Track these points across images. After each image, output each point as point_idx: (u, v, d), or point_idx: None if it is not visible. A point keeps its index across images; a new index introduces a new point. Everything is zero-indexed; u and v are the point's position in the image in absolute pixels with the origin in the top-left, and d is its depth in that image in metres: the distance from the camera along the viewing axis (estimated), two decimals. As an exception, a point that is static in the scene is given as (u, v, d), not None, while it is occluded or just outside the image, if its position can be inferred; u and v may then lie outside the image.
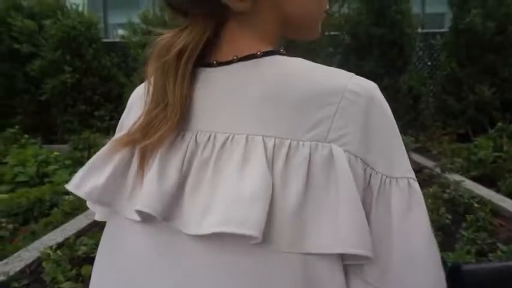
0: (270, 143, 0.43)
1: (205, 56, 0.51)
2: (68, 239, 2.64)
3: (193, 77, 0.50)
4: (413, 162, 5.00)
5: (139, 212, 0.46)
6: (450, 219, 3.26)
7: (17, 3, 8.64)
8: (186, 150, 0.47)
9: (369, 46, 7.57)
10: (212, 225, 0.41)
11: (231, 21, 0.50)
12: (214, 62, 0.50)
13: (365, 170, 0.44)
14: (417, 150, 6.56)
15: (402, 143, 0.46)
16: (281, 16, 0.52)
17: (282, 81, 0.46)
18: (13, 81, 8.38)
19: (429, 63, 8.74)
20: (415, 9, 9.38)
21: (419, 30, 8.34)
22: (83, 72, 8.07)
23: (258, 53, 0.48)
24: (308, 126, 0.44)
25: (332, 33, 6.08)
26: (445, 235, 3.06)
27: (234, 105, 0.47)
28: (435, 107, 7.93)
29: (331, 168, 0.43)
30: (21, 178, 5.14)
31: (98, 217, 0.62)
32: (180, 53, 0.48)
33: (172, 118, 0.47)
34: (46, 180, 5.18)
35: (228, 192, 0.42)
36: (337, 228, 0.41)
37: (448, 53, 7.64)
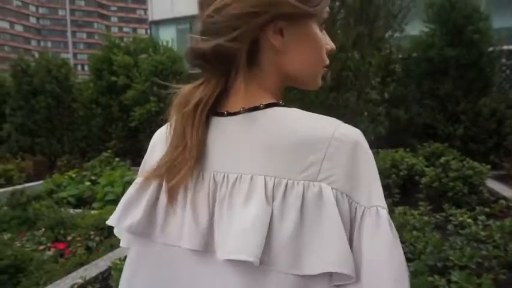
0: (270, 182, 0.51)
1: (217, 106, 0.59)
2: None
3: (207, 125, 0.59)
4: (489, 192, 4.63)
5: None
6: (520, 257, 2.98)
7: (116, 43, 10.03)
8: (209, 189, 0.56)
9: (444, 68, 7.22)
10: (225, 253, 0.51)
11: (239, 77, 0.58)
12: (225, 113, 0.58)
13: (351, 204, 0.51)
14: (500, 179, 6.01)
15: (379, 179, 0.53)
16: (282, 73, 0.60)
17: (280, 129, 0.54)
18: (110, 111, 9.63)
19: (518, 83, 7.99)
20: (507, 22, 8.63)
21: (506, 46, 7.71)
22: (167, 102, 8.96)
23: (261, 105, 0.57)
24: (302, 168, 0.51)
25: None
26: (509, 275, 2.80)
27: (241, 149, 0.55)
28: (525, 131, 7.19)
29: (320, 203, 0.50)
30: (109, 197, 5.87)
31: (123, 244, 0.70)
32: (197, 105, 0.57)
33: (191, 160, 0.56)
34: (130, 199, 5.84)
35: (235, 224, 0.51)
36: (327, 252, 0.49)
37: (539, 72, 6.92)
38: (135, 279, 0.62)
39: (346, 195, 0.51)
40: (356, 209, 0.51)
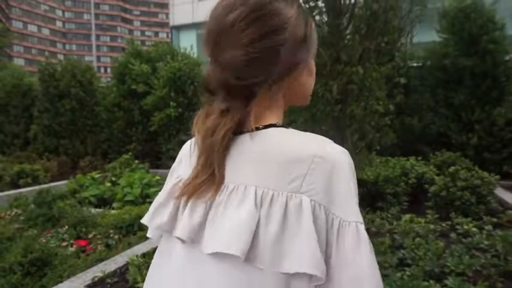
0: (259, 192, 0.60)
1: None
2: (154, 249, 3.24)
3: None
4: (499, 202, 4.67)
5: (178, 238, 0.66)
6: (520, 266, 3.04)
7: (137, 50, 10.41)
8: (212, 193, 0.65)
9: (459, 78, 7.25)
10: (215, 247, 0.60)
11: (254, 103, 0.66)
12: (238, 131, 0.66)
13: (327, 215, 0.59)
14: (512, 189, 6.00)
15: (355, 194, 0.60)
16: (288, 99, 0.70)
17: (272, 147, 0.63)
18: (131, 115, 9.99)
19: (537, 92, 7.91)
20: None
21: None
22: (185, 107, 9.25)
23: (261, 126, 0.65)
24: (287, 181, 0.59)
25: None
26: (507, 283, 2.86)
27: (239, 163, 0.64)
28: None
29: (300, 213, 0.58)
30: (128, 198, 6.13)
31: (149, 235, 0.79)
32: (224, 136, 0.63)
33: (218, 183, 0.63)
34: (147, 200, 6.09)
35: (227, 224, 0.60)
36: (300, 255, 0.57)
37: (556, 81, 6.85)
38: (152, 267, 0.77)
39: (324, 207, 0.58)
40: (333, 220, 0.59)
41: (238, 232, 0.58)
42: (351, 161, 0.62)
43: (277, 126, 0.66)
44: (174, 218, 0.69)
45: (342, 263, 0.57)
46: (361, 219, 0.59)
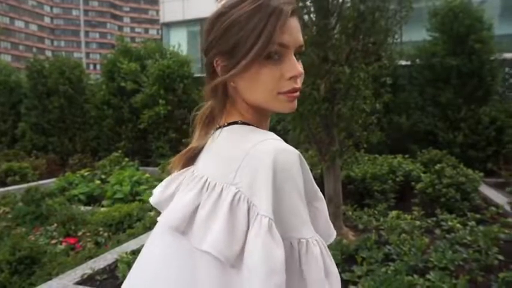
0: (207, 181, 0.70)
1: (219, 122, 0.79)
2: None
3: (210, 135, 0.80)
4: (483, 199, 4.78)
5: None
6: (500, 261, 3.14)
7: (126, 47, 10.34)
8: (183, 178, 0.78)
9: (446, 77, 7.37)
10: (163, 217, 0.74)
11: (227, 105, 0.78)
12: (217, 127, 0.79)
13: (249, 206, 0.65)
14: (497, 186, 6.14)
15: (271, 191, 0.64)
16: (246, 102, 0.75)
17: (223, 143, 0.74)
18: (120, 112, 9.93)
19: (522, 91, 8.08)
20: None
21: (511, 55, 7.81)
22: (175, 105, 9.22)
23: (225, 123, 0.76)
24: (225, 173, 0.68)
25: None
26: (487, 277, 2.92)
27: (207, 155, 0.77)
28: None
29: (225, 201, 0.66)
30: (118, 195, 6.12)
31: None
32: (199, 115, 0.82)
33: (185, 154, 0.80)
34: (137, 198, 6.09)
35: (176, 202, 0.74)
36: (211, 237, 0.65)
37: (541, 81, 7.01)
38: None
39: (248, 199, 0.65)
40: (254, 211, 0.65)
41: (177, 210, 0.71)
42: (286, 161, 0.66)
43: (239, 124, 0.75)
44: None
45: (246, 251, 0.63)
46: (268, 212, 0.63)
